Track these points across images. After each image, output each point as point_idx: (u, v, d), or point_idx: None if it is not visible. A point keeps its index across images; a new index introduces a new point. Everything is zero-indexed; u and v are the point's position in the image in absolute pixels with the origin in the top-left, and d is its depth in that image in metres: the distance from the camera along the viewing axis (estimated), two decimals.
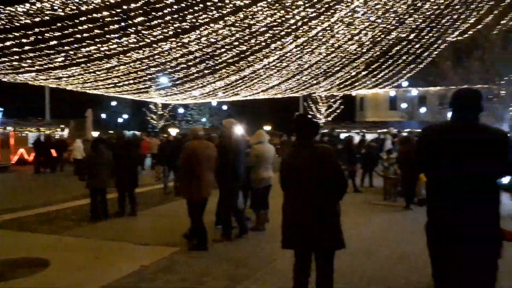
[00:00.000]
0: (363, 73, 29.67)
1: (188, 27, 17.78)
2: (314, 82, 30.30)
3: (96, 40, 17.26)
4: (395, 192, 9.74)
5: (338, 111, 41.08)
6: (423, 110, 37.81)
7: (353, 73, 28.37)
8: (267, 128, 33.58)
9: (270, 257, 5.19)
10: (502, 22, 20.37)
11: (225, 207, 6.36)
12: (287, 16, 17.83)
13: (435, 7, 19.64)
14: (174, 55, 21.40)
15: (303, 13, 17.83)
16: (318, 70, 26.87)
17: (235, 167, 6.06)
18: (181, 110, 48.21)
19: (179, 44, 19.77)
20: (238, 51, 21.26)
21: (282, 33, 19.58)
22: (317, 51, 22.81)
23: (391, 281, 4.40)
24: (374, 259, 5.16)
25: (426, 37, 22.39)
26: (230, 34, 19.17)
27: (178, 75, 25.61)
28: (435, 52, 23.90)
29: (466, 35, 21.97)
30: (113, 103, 47.07)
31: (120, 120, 50.42)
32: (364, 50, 23.81)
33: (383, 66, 26.77)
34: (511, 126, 18.87)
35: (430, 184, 2.77)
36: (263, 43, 20.65)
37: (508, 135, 3.28)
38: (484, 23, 20.53)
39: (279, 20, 18.22)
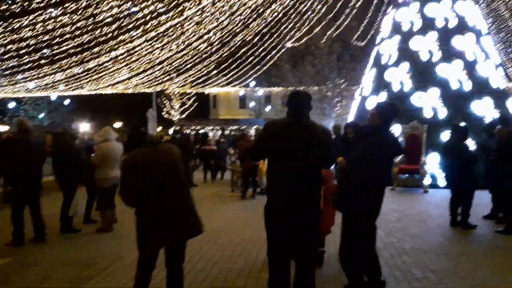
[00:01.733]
0: (214, 71, 30.75)
1: (18, 11, 15.61)
2: (167, 78, 30.05)
3: None
4: (241, 183, 10.57)
5: (192, 108, 41.62)
6: (268, 108, 41.27)
7: (205, 71, 29.15)
8: (118, 124, 31.85)
9: (117, 255, 5.12)
10: (328, 33, 23.80)
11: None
12: (134, 9, 17.29)
13: (275, 14, 21.74)
14: (1, 42, 18.52)
15: (152, 7, 17.55)
16: (170, 66, 26.75)
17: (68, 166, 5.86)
18: (12, 105, 41.66)
19: (9, 29, 17.23)
20: (81, 41, 19.64)
21: (130, 26, 18.90)
22: (168, 47, 22.71)
23: (232, 262, 4.87)
24: (219, 245, 5.59)
25: (268, 41, 24.52)
26: (71, 22, 17.57)
27: (7, 64, 22.20)
28: (277, 56, 26.38)
29: (301, 42, 24.93)
30: None
31: None
32: (213, 50, 24.72)
33: (232, 66, 28.25)
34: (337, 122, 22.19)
35: (269, 169, 3.35)
36: (110, 34, 19.55)
37: (330, 131, 4.09)
38: (314, 32, 23.62)
39: (126, 13, 17.54)
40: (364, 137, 3.74)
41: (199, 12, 19.52)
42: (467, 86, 11.40)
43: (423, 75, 11.74)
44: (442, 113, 11.21)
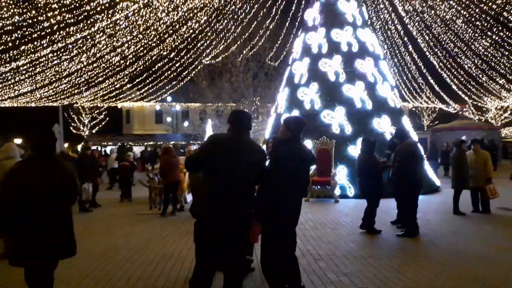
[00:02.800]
0: (128, 85, 29.71)
1: None
2: (76, 91, 28.20)
3: None
4: (160, 200, 10.31)
5: (103, 123, 39.51)
6: (186, 124, 40.90)
7: (118, 85, 27.99)
8: (18, 141, 28.89)
9: None
10: (244, 51, 24.57)
11: None
12: (40, 18, 16.09)
13: (191, 31, 21.88)
14: None
15: (59, 17, 16.49)
16: (79, 79, 25.20)
17: None
18: None
19: None
20: None
21: (35, 35, 17.48)
22: (78, 59, 21.43)
23: (154, 280, 4.76)
24: (139, 263, 5.42)
25: (185, 57, 24.49)
26: None
27: None
28: (194, 72, 26.44)
29: (218, 59, 25.33)
30: None
31: None
32: (127, 63, 23.93)
33: (147, 81, 27.57)
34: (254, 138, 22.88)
35: (205, 184, 3.31)
36: (10, 44, 17.86)
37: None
38: (230, 50, 24.20)
39: (30, 21, 16.23)
40: (276, 150, 3.92)
41: (112, 24, 18.83)
42: (369, 105, 12.64)
43: (331, 94, 12.75)
44: (348, 129, 12.25)
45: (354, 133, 12.03)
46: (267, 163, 3.78)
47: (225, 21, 22.12)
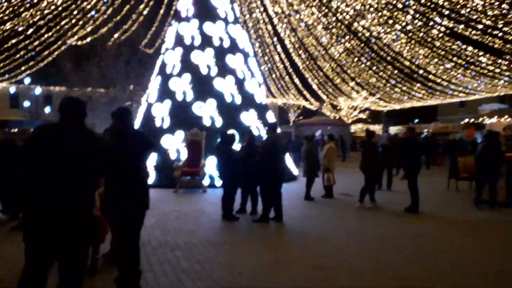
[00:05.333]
0: None
1: None
2: None
3: None
4: None
5: None
6: (48, 109, 36.75)
7: None
8: None
9: None
10: (115, 35, 23.17)
11: None
12: None
13: (53, 7, 19.70)
14: None
15: None
16: None
17: None
18: None
19: None
20: None
21: None
22: None
23: None
24: None
25: (46, 35, 21.98)
26: None
27: None
28: (56, 52, 23.91)
29: (85, 41, 23.37)
30: None
31: None
32: None
33: None
34: None
35: (31, 178, 3.08)
36: None
37: (101, 136, 4.10)
38: (100, 33, 22.57)
39: None
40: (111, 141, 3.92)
41: None
42: (238, 99, 13.26)
43: (203, 87, 12.99)
44: (219, 122, 12.67)
45: (224, 125, 12.49)
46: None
47: (94, 0, 20.47)
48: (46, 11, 19.78)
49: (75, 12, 20.89)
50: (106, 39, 23.32)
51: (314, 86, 35.41)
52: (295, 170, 14.52)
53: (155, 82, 14.19)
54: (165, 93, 13.28)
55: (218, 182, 11.76)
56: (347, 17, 24.34)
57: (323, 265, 4.97)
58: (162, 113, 13.10)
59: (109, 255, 4.79)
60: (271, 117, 14.51)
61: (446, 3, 22.00)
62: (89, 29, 22.20)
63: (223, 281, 4.44)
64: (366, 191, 9.07)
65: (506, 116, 12.91)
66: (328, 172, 10.21)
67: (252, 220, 7.48)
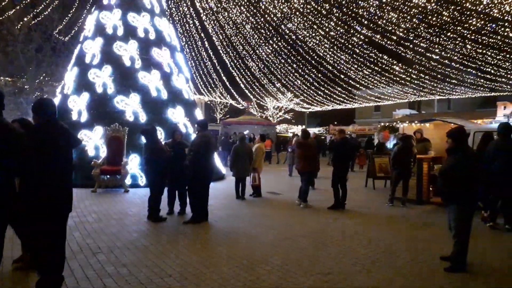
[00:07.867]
0: None
1: None
2: None
3: None
4: None
5: None
6: None
7: None
8: None
9: None
10: (25, 19, 20.93)
11: None
12: None
13: None
14: None
15: None
16: None
17: None
18: None
19: None
20: None
21: None
22: None
23: None
24: None
25: None
26: None
27: None
28: None
29: None
30: None
31: None
32: None
33: None
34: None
35: None
36: None
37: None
38: (6, 15, 20.21)
39: None
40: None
41: None
42: (164, 94, 12.78)
43: (126, 80, 12.30)
44: (143, 117, 12.08)
45: (148, 121, 11.93)
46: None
47: None
48: None
49: None
50: (14, 23, 20.95)
51: (242, 85, 35.71)
52: (222, 169, 14.43)
53: (71, 72, 13.10)
54: (83, 85, 12.33)
55: (142, 182, 11.25)
56: (275, 18, 24.87)
57: (252, 264, 4.94)
58: (79, 106, 12.13)
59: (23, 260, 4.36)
60: (199, 114, 14.25)
61: (365, 13, 23.57)
62: None
63: (152, 285, 4.19)
64: (307, 191, 9.20)
65: (416, 121, 14.24)
66: (255, 172, 10.27)
67: (183, 222, 7.21)
